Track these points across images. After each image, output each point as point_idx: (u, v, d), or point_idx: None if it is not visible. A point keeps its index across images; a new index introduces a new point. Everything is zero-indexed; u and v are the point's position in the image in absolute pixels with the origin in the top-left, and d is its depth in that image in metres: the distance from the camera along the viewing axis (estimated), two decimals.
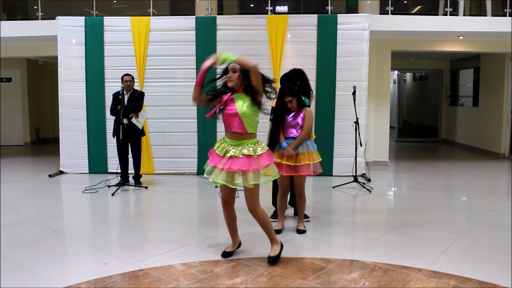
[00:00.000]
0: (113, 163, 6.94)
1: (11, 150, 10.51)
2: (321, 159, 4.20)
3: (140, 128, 6.29)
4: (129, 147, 6.33)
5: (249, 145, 3.32)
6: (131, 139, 6.25)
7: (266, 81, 3.38)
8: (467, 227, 4.44)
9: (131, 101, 6.16)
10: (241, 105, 3.31)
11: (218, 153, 3.36)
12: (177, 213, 5.01)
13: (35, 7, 8.02)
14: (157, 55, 7.17)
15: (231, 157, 3.28)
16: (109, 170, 7.20)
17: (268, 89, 3.38)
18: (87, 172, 7.33)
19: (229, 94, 3.40)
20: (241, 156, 3.26)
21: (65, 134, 7.40)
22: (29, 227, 4.43)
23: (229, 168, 3.24)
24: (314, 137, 4.60)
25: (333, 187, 6.31)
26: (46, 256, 3.60)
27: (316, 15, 7.14)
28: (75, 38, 7.25)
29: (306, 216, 4.57)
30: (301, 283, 3.07)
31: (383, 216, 5.17)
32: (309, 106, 4.34)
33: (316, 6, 8.44)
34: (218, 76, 3.53)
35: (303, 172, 4.08)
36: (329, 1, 7.71)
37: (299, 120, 4.09)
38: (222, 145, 3.39)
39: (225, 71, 3.41)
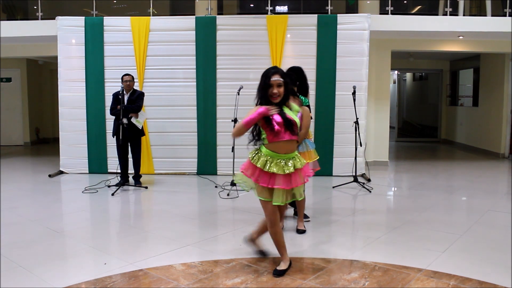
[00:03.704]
0: (113, 163, 6.94)
1: (11, 150, 10.51)
2: (318, 157, 4.23)
3: (140, 128, 6.29)
4: (129, 147, 6.34)
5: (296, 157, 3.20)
6: (131, 139, 6.25)
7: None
8: (467, 227, 4.44)
9: (131, 101, 6.17)
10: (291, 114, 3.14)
11: (272, 171, 3.08)
12: (177, 213, 5.01)
13: (35, 7, 8.02)
14: (157, 55, 7.17)
15: (290, 173, 3.11)
16: (109, 170, 7.20)
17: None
18: (87, 172, 7.33)
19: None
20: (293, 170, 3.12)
21: (65, 134, 7.40)
22: (29, 227, 4.43)
23: (293, 186, 3.13)
24: (312, 136, 4.61)
25: (333, 187, 6.31)
26: (46, 256, 3.60)
27: (316, 15, 7.14)
28: (75, 38, 7.25)
29: (306, 216, 4.57)
30: (301, 283, 3.07)
31: (383, 216, 5.17)
32: (308, 106, 4.34)
33: (316, 6, 8.43)
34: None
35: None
36: (329, 1, 7.71)
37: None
38: (277, 161, 3.11)
39: (266, 87, 3.08)
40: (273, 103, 3.09)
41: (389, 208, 5.63)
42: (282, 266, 3.24)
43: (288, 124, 3.08)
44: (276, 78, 3.08)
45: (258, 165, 3.09)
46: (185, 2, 8.81)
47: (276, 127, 3.03)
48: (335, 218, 4.87)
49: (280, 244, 3.25)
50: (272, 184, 3.07)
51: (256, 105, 3.13)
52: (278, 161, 3.09)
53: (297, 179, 3.14)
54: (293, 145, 3.18)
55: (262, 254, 3.52)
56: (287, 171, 3.08)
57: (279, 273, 3.18)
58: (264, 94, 3.10)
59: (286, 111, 3.14)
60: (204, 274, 3.23)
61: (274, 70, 3.13)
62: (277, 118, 3.06)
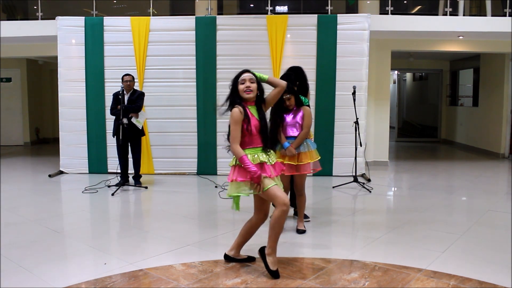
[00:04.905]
0: (113, 163, 6.94)
1: (11, 150, 10.51)
2: (320, 157, 4.23)
3: (140, 128, 6.29)
4: (129, 147, 6.34)
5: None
6: (131, 139, 6.25)
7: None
8: (467, 227, 4.44)
9: (131, 101, 6.17)
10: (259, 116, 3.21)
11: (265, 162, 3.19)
12: (177, 213, 5.01)
13: (35, 7, 8.02)
14: (157, 55, 7.17)
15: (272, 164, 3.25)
16: (109, 170, 7.20)
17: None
18: (87, 172, 7.33)
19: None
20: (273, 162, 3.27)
21: (65, 134, 7.40)
22: (29, 227, 4.43)
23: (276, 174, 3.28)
24: (313, 136, 4.61)
25: (333, 187, 6.31)
26: (46, 256, 3.60)
27: (316, 15, 7.14)
28: (75, 38, 7.25)
29: (306, 216, 4.57)
30: (301, 283, 3.07)
31: (383, 216, 5.17)
32: (308, 105, 4.34)
33: (316, 6, 8.43)
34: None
35: (304, 171, 4.11)
36: (329, 1, 7.71)
37: (298, 119, 4.10)
38: (259, 154, 3.19)
39: (237, 84, 3.16)
40: (244, 99, 3.14)
41: (389, 208, 5.63)
42: (275, 264, 3.17)
43: (263, 129, 3.18)
44: (247, 74, 3.15)
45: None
46: (185, 2, 8.81)
47: (254, 131, 3.13)
48: (335, 218, 4.87)
49: (279, 235, 3.20)
50: (272, 174, 3.16)
51: (228, 106, 3.16)
52: (261, 154, 3.17)
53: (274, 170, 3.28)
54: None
55: (251, 259, 3.47)
56: (272, 162, 3.22)
57: (277, 274, 3.17)
58: (235, 92, 3.14)
59: (253, 112, 3.18)
60: (204, 274, 3.24)
61: (245, 70, 3.21)
62: (254, 122, 3.14)
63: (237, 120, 3.08)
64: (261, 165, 3.15)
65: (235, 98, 3.16)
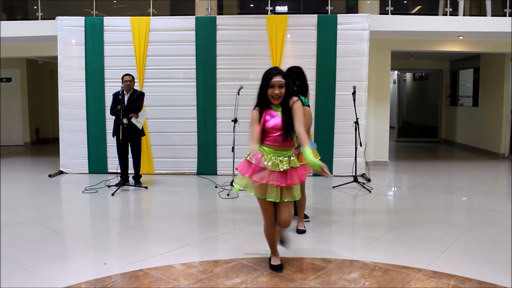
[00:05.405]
0: (113, 163, 6.94)
1: (11, 150, 10.50)
2: (320, 157, 4.22)
3: (140, 128, 6.29)
4: (129, 147, 6.34)
5: (292, 156, 3.17)
6: (131, 139, 6.25)
7: None
8: (467, 227, 4.44)
9: (131, 101, 6.17)
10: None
11: (269, 168, 3.05)
12: (177, 213, 5.01)
13: (35, 7, 8.02)
14: (157, 55, 7.17)
15: (284, 170, 3.08)
16: (109, 170, 7.20)
17: None
18: (87, 172, 7.33)
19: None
20: (289, 168, 3.11)
21: (65, 134, 7.40)
22: (29, 227, 4.43)
23: (289, 183, 3.08)
24: (313, 136, 4.60)
25: (333, 187, 6.31)
26: (46, 256, 3.60)
27: (316, 15, 7.14)
28: (75, 38, 7.25)
29: (306, 216, 4.57)
30: (301, 283, 3.07)
31: (383, 216, 5.17)
32: (308, 105, 4.34)
33: (316, 6, 8.43)
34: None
35: (304, 171, 4.10)
36: (329, 1, 7.71)
37: None
38: (272, 158, 3.08)
39: (266, 88, 3.09)
40: (272, 104, 3.09)
41: (389, 208, 5.63)
42: (278, 260, 3.32)
43: (286, 129, 3.06)
44: (278, 79, 3.05)
45: (254, 161, 3.06)
46: (185, 2, 8.81)
47: (273, 129, 3.06)
48: (335, 218, 4.87)
49: (275, 244, 3.33)
50: (267, 181, 3.03)
51: (255, 106, 3.13)
52: (274, 157, 3.07)
53: (293, 177, 3.09)
54: (288, 147, 3.16)
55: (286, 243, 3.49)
56: (281, 169, 3.05)
57: (279, 267, 3.25)
58: (263, 95, 3.10)
59: (278, 112, 3.10)
60: (204, 274, 3.24)
61: (275, 71, 3.10)
62: (276, 121, 3.07)
63: (253, 120, 3.10)
64: (267, 171, 3.06)
65: (260, 100, 3.12)
